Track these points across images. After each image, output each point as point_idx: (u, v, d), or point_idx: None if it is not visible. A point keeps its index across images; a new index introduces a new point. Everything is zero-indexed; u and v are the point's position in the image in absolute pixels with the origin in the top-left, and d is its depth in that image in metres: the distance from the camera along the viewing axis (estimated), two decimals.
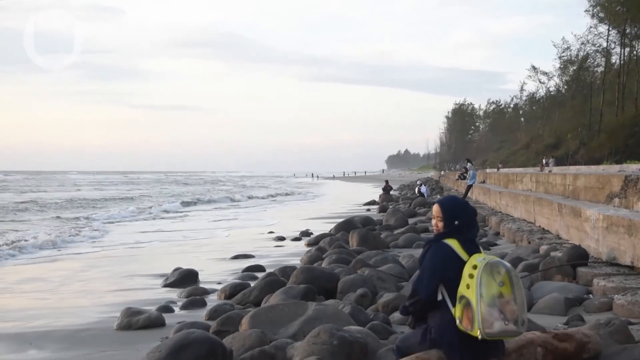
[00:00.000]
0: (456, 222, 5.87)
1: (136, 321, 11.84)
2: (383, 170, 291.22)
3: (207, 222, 39.98)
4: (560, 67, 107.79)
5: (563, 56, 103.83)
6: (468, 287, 5.53)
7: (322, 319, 9.44)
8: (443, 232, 5.91)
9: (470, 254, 5.73)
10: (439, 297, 5.78)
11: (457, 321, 5.59)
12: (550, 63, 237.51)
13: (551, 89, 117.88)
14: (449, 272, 5.71)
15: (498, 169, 78.06)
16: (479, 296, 5.44)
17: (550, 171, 43.53)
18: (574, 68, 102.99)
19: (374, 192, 75.29)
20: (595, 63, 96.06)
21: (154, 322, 11.84)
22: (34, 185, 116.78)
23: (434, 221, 6.07)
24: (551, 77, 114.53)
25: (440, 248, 5.84)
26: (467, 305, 5.51)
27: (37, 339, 11.16)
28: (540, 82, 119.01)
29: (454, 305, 5.65)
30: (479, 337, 5.46)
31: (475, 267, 5.56)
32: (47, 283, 17.39)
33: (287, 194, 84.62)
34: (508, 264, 5.69)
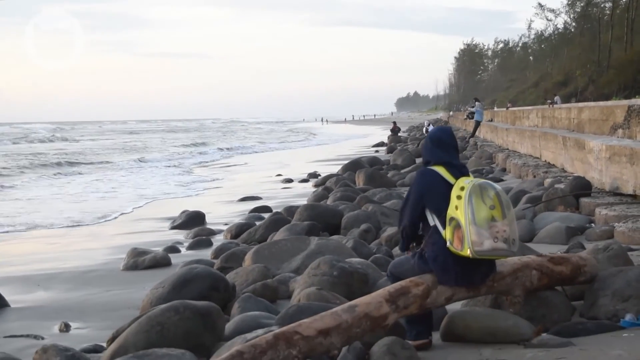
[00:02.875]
0: (435, 147, 5.95)
1: (142, 261, 11.95)
2: (392, 113, 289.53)
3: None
4: (568, 4, 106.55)
5: None
6: (457, 208, 5.57)
7: (324, 252, 9.50)
8: (426, 161, 5.98)
9: (457, 178, 5.78)
10: (431, 222, 5.83)
11: (448, 243, 5.63)
12: (559, 0, 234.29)
13: (559, 26, 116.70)
14: (435, 196, 5.77)
15: (507, 108, 77.55)
16: (467, 216, 5.49)
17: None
18: (582, 4, 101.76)
19: (383, 134, 75.13)
20: None
21: (160, 262, 11.94)
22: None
23: None
24: (558, 14, 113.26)
25: (425, 173, 5.92)
26: (457, 226, 5.55)
27: (44, 281, 11.32)
28: (547, 19, 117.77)
29: (444, 229, 5.70)
30: (470, 256, 5.52)
31: (462, 188, 5.61)
32: (55, 229, 17.52)
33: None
34: (496, 186, 5.73)
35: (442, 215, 5.71)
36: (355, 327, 5.36)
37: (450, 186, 5.73)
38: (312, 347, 5.12)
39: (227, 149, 64.04)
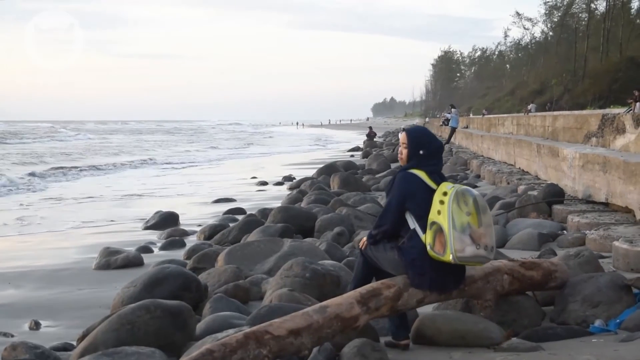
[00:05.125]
0: (421, 152, 5.89)
1: (114, 260, 11.88)
2: (368, 118, 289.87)
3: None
4: (545, 13, 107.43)
5: (548, 2, 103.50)
6: (439, 212, 5.57)
7: (297, 254, 9.46)
8: (409, 164, 5.94)
9: (437, 183, 5.77)
10: (411, 225, 5.81)
11: (428, 247, 5.62)
12: (536, 9, 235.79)
13: (536, 35, 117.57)
14: (417, 200, 5.75)
15: (483, 115, 77.81)
16: (450, 221, 5.49)
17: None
18: (559, 14, 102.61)
19: (359, 139, 75.20)
20: (580, 8, 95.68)
21: (132, 262, 11.87)
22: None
23: (399, 149, 6.11)
24: (535, 23, 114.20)
25: (407, 176, 5.87)
26: (439, 230, 5.55)
27: (15, 279, 11.20)
28: (524, 28, 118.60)
29: (424, 233, 5.69)
30: (452, 261, 5.52)
31: (445, 193, 5.61)
32: (28, 227, 17.39)
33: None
34: (475, 192, 5.74)
35: (422, 219, 5.71)
36: (326, 328, 5.36)
37: (432, 191, 5.73)
38: (283, 347, 5.11)
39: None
